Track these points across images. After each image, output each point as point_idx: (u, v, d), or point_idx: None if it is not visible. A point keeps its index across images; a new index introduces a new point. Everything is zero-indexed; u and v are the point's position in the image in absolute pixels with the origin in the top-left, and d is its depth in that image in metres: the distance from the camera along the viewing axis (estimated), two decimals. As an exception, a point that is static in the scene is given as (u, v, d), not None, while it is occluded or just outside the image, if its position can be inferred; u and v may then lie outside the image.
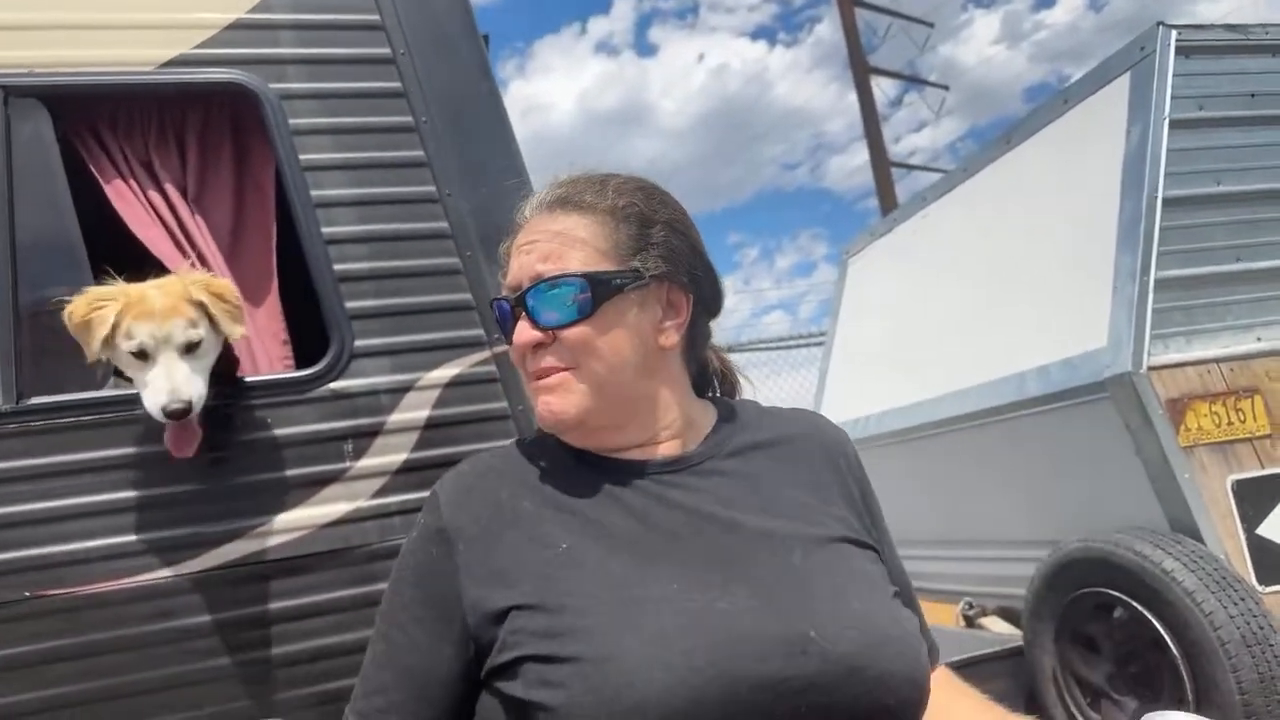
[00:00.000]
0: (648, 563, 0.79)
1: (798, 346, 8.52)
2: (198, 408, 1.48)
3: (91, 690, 1.49)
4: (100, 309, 1.45)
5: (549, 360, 0.88)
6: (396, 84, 1.85)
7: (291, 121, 1.79)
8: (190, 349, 1.49)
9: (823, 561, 0.83)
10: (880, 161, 14.78)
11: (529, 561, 0.80)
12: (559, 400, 0.87)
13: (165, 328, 1.47)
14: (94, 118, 1.83)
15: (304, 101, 1.81)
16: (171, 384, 1.46)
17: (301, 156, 1.77)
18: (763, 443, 0.95)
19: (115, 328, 1.45)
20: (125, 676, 1.51)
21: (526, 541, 0.82)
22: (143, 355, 1.47)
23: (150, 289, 1.49)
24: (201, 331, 1.50)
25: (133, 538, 1.56)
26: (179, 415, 1.46)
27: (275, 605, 1.61)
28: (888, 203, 14.03)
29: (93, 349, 1.45)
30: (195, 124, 1.90)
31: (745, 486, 0.89)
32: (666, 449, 0.91)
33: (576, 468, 0.90)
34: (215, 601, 1.58)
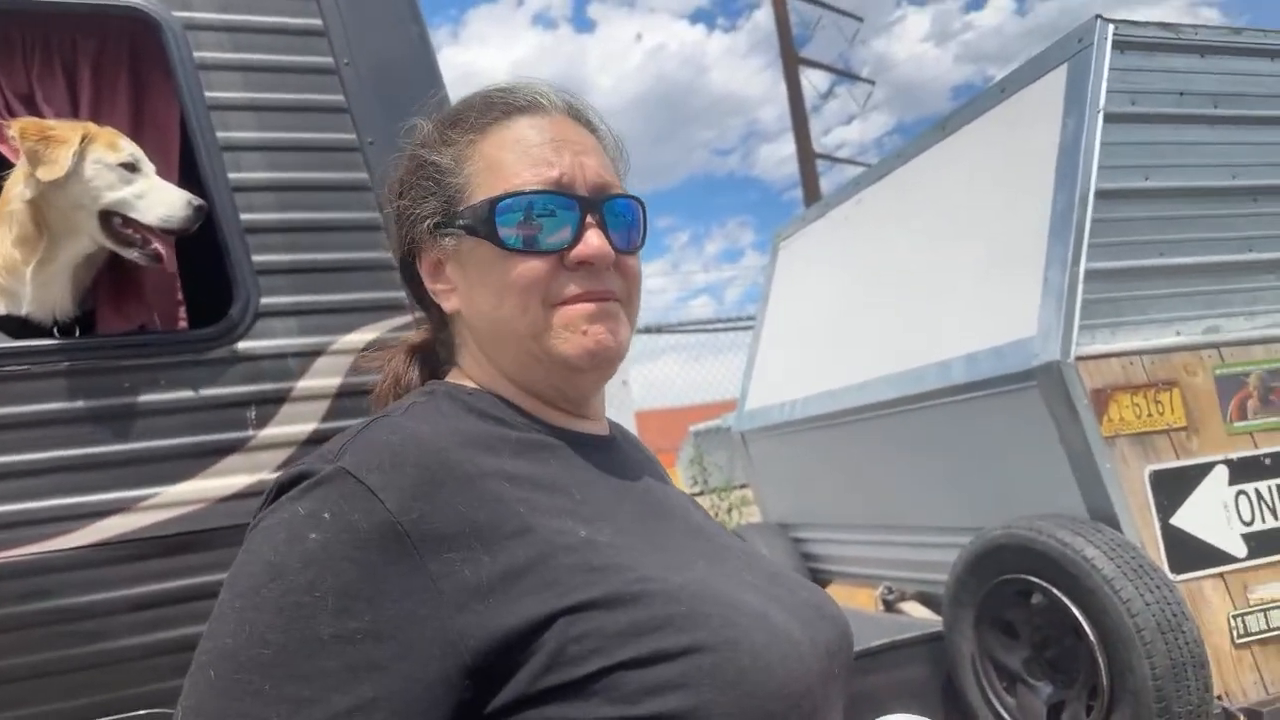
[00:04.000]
0: (660, 540, 0.70)
1: (723, 330, 8.54)
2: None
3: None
4: (54, 129, 1.43)
5: (612, 283, 0.75)
6: (317, 21, 1.70)
7: (196, 55, 1.62)
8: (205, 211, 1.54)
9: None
10: (806, 153, 14.92)
11: (554, 553, 0.61)
12: (613, 331, 0.73)
13: (139, 150, 1.54)
14: (-33, 39, 1.64)
15: (211, 34, 1.65)
16: (186, 193, 1.50)
17: (207, 94, 1.61)
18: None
19: (88, 142, 1.45)
20: (-8, 661, 1.36)
21: (534, 527, 0.62)
22: (132, 168, 1.49)
23: None
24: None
25: (5, 508, 1.40)
26: (203, 215, 1.50)
27: (165, 585, 1.47)
28: (811, 195, 14.19)
29: (61, 162, 1.40)
30: (87, 54, 1.72)
31: (644, 469, 0.84)
32: (597, 425, 0.82)
33: (526, 436, 0.72)
34: (96, 581, 1.43)
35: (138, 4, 1.61)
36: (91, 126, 1.50)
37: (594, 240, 0.73)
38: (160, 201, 1.49)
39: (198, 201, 1.50)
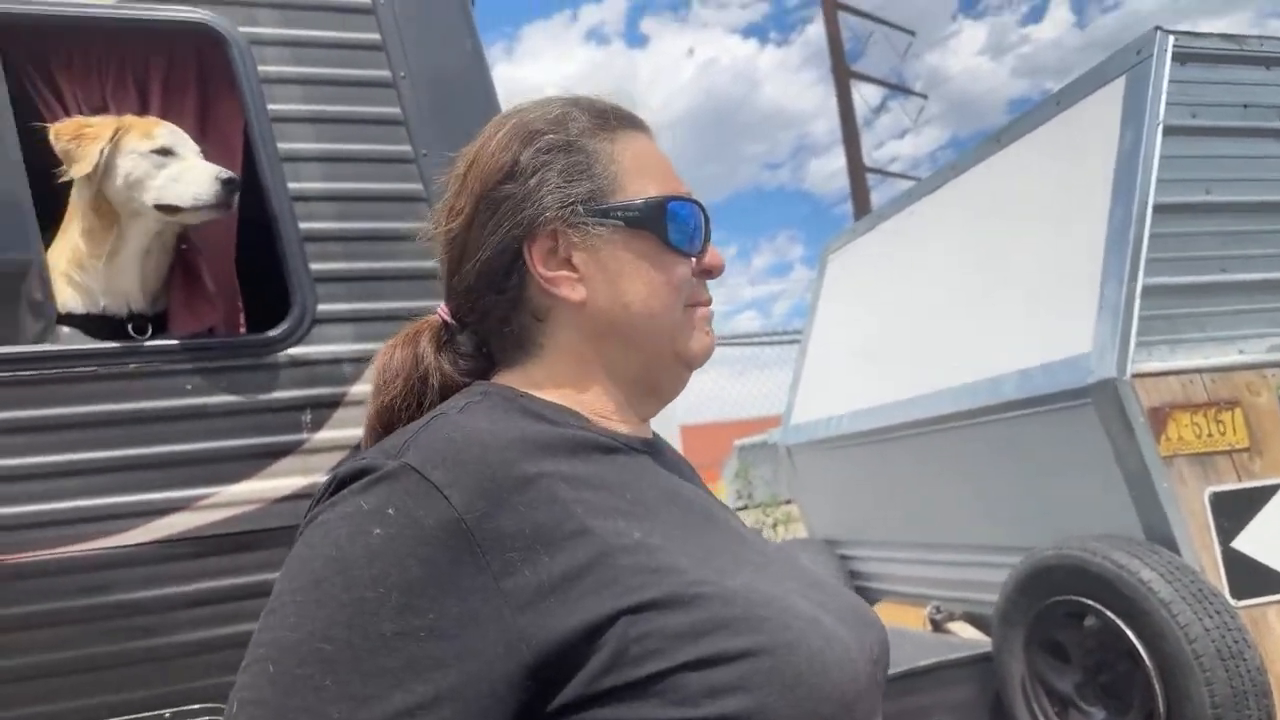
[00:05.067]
0: (710, 545, 0.70)
1: (769, 344, 8.48)
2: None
3: (19, 667, 1.38)
4: (90, 125, 1.50)
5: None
6: (375, 35, 1.75)
7: (260, 69, 1.68)
8: (236, 185, 1.57)
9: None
10: (856, 167, 14.81)
11: (612, 553, 0.61)
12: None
13: (183, 135, 1.58)
14: (46, 56, 1.71)
15: (275, 48, 1.70)
16: (214, 168, 1.53)
17: (270, 106, 1.67)
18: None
19: (121, 135, 1.50)
20: (57, 653, 1.41)
21: (591, 528, 0.62)
22: (166, 152, 1.53)
23: None
24: None
25: (68, 504, 1.45)
26: (234, 189, 1.54)
27: (222, 582, 1.51)
28: (861, 208, 14.08)
29: (89, 158, 1.47)
30: (158, 68, 1.79)
31: (686, 475, 0.84)
32: (645, 430, 0.82)
33: (580, 435, 0.72)
34: (156, 577, 1.47)
35: (207, 20, 1.67)
36: (128, 119, 1.55)
37: (719, 254, 0.80)
38: (191, 182, 1.54)
39: (225, 175, 1.53)
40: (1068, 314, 2.57)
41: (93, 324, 1.57)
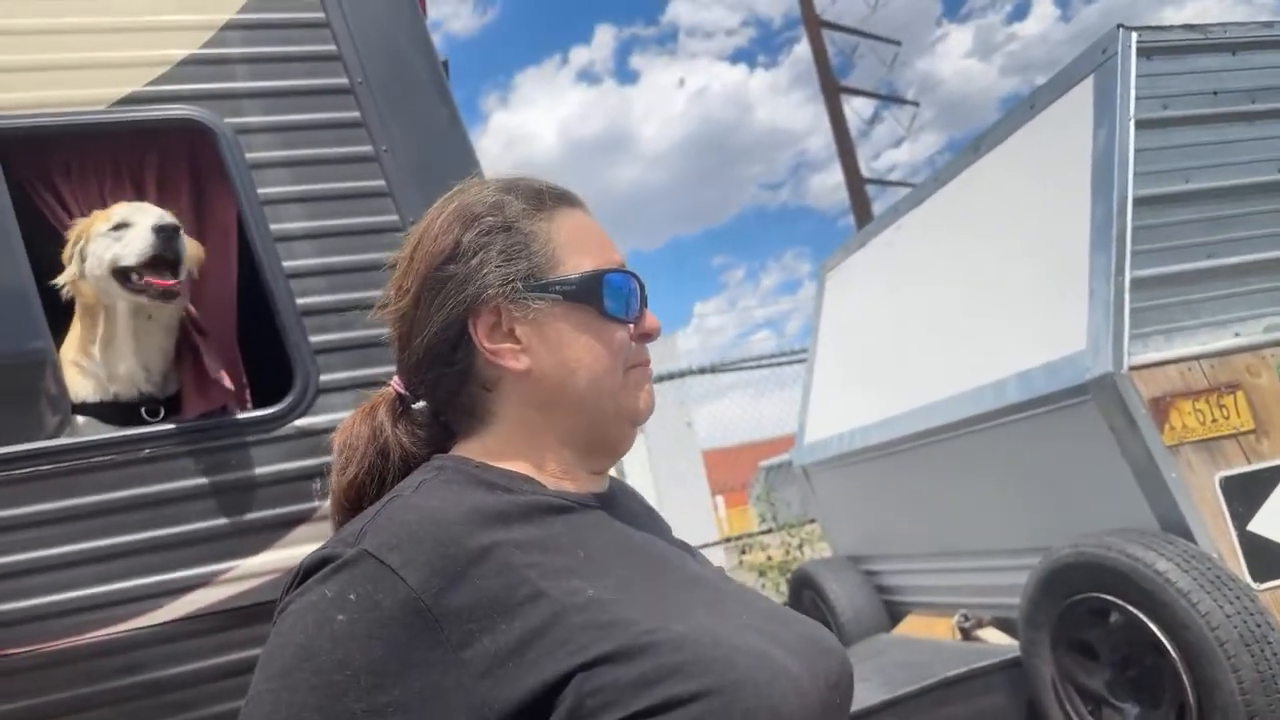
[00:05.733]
0: (662, 591, 0.73)
1: (786, 363, 8.45)
2: (183, 267, 1.66)
3: (55, 752, 1.43)
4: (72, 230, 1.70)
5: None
6: (355, 114, 1.83)
7: (249, 155, 1.76)
8: (173, 231, 1.63)
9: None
10: (854, 180, 14.88)
11: (564, 613, 0.65)
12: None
13: (143, 208, 1.66)
14: (46, 162, 1.80)
15: (261, 135, 1.78)
16: (152, 221, 1.61)
17: (260, 190, 1.74)
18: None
19: (89, 226, 1.64)
20: (90, 735, 1.46)
21: (544, 591, 0.66)
22: (122, 226, 1.62)
23: None
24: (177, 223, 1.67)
25: (96, 590, 1.50)
26: (170, 232, 1.60)
27: (247, 654, 1.55)
28: (863, 220, 14.11)
29: (69, 257, 1.65)
30: (151, 164, 1.87)
31: (643, 523, 0.87)
32: (599, 484, 0.86)
33: (531, 500, 0.76)
34: (185, 653, 1.52)
35: (194, 115, 1.75)
36: (97, 213, 1.67)
37: (654, 319, 0.85)
38: (132, 240, 1.62)
39: (161, 223, 1.61)
40: (1061, 313, 2.59)
41: (106, 410, 1.64)
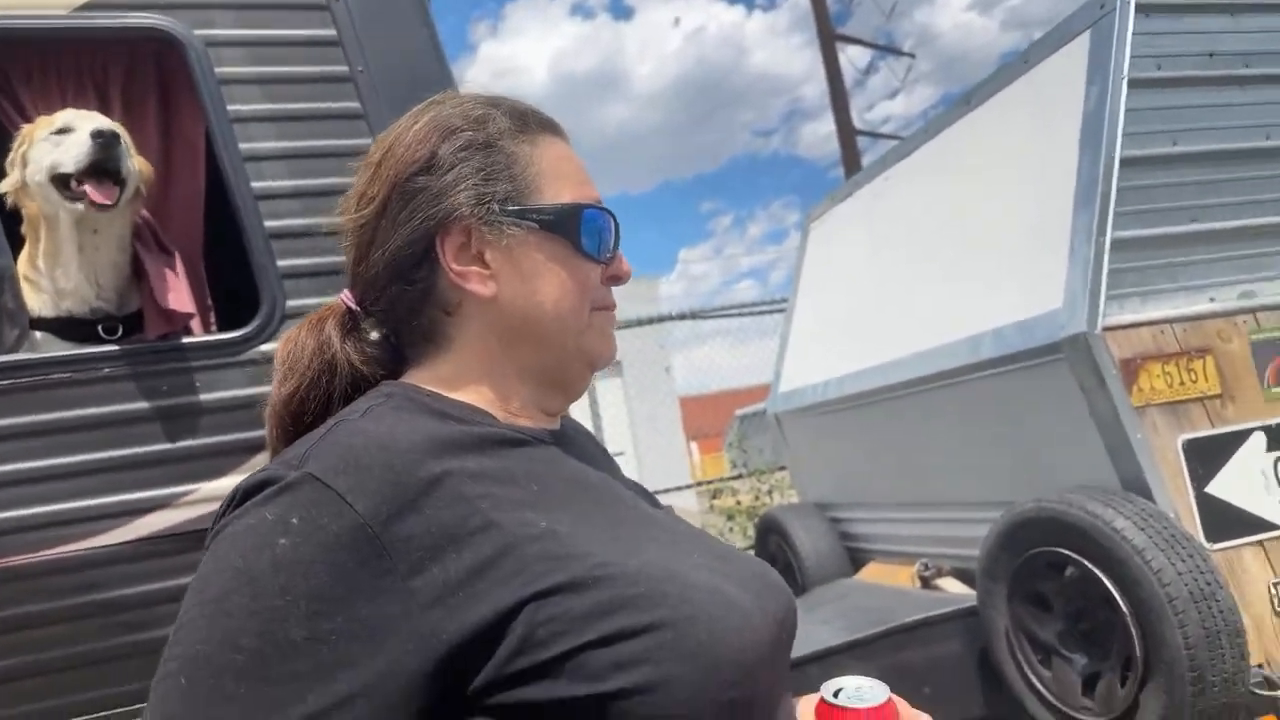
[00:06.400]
0: (616, 527, 0.72)
1: (767, 312, 8.45)
2: (124, 174, 1.61)
3: (11, 667, 1.43)
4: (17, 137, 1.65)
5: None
6: (331, 31, 1.76)
7: (218, 70, 1.70)
8: (112, 138, 1.58)
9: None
10: (846, 130, 14.72)
11: (517, 544, 0.63)
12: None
13: (89, 115, 1.61)
14: (5, 69, 1.73)
15: (231, 49, 1.72)
16: (91, 127, 1.56)
17: (229, 107, 1.69)
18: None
19: (33, 131, 1.59)
20: (50, 651, 1.46)
21: (496, 522, 0.64)
22: (64, 131, 1.57)
23: None
24: (123, 133, 1.63)
25: (55, 507, 1.49)
26: (109, 139, 1.55)
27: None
28: (852, 172, 14.01)
29: (11, 163, 1.60)
30: (116, 75, 1.80)
31: (597, 461, 0.86)
32: (553, 423, 0.85)
33: (484, 432, 0.73)
34: (142, 573, 1.52)
35: (161, 25, 1.69)
36: (41, 119, 1.63)
37: (627, 263, 0.84)
38: (71, 145, 1.57)
39: (99, 128, 1.57)
40: (1040, 271, 2.59)
41: (62, 326, 1.60)
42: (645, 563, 0.67)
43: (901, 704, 0.76)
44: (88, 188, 1.55)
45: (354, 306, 0.81)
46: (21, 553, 1.45)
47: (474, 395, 0.78)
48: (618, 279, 0.83)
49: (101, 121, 1.59)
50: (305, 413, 0.78)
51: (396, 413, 0.72)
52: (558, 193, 0.79)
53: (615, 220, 0.82)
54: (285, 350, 0.80)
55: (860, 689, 0.74)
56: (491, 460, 0.71)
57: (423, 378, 0.79)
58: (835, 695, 0.74)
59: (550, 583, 0.62)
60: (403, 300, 0.78)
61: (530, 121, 0.81)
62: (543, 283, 0.77)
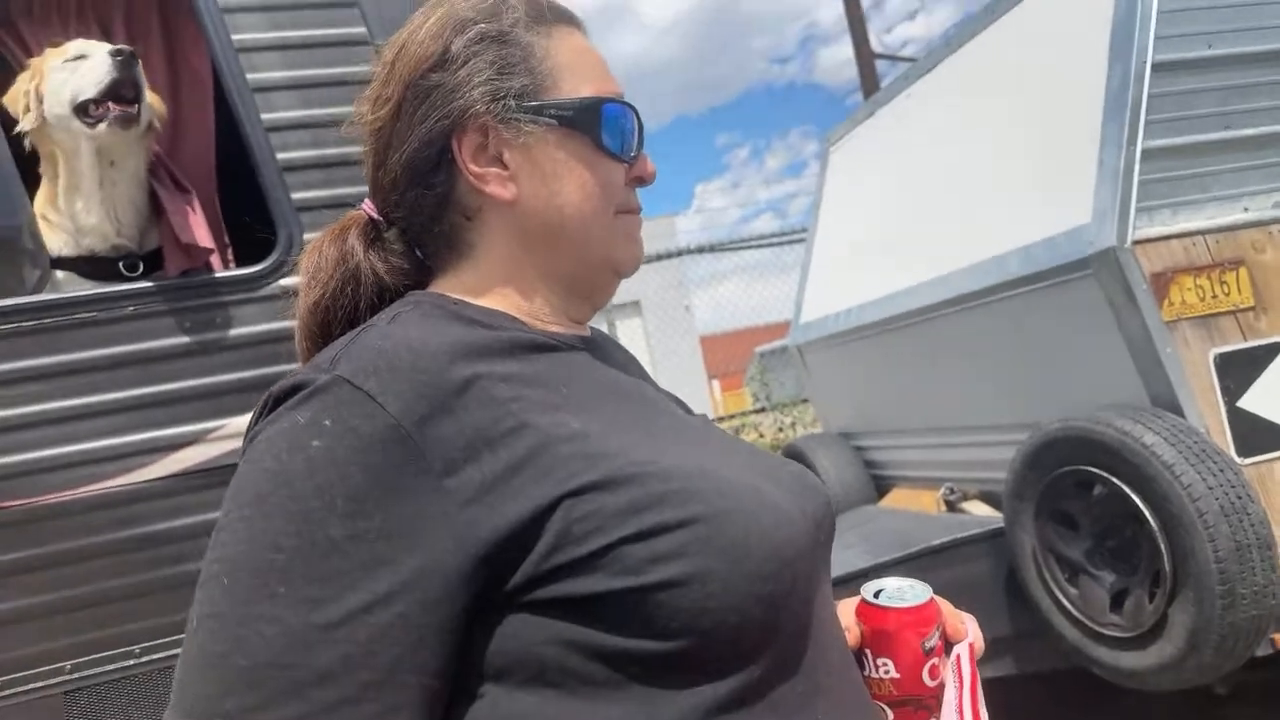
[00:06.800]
0: (649, 429, 0.71)
1: (787, 244, 8.33)
2: (144, 95, 1.61)
3: (55, 601, 1.47)
4: (16, 84, 1.63)
5: None
6: (333, -45, 1.71)
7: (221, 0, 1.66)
8: (130, 56, 1.57)
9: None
10: (864, 55, 14.33)
11: (551, 443, 0.63)
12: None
13: (98, 42, 1.60)
14: (7, 6, 1.70)
15: (233, -24, 1.68)
16: (108, 47, 1.57)
17: (234, 36, 1.65)
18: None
19: (43, 63, 1.57)
20: (89, 585, 1.49)
21: (530, 423, 0.64)
22: (79, 58, 1.57)
23: None
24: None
25: (89, 445, 1.51)
26: (128, 58, 1.55)
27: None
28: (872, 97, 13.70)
29: (22, 99, 1.58)
30: (119, 7, 1.77)
31: (626, 367, 0.85)
32: (581, 329, 0.83)
33: (514, 337, 0.72)
34: (178, 508, 1.54)
35: (160, -47, 1.65)
36: (49, 50, 1.61)
37: (651, 163, 0.79)
38: (90, 70, 1.56)
39: (117, 48, 1.56)
40: (1068, 184, 2.52)
41: (83, 265, 1.60)
42: (680, 461, 0.66)
43: (944, 604, 0.75)
44: (111, 105, 1.56)
45: (375, 216, 0.79)
46: (59, 490, 1.47)
47: (500, 301, 0.76)
48: (642, 180, 0.79)
49: (113, 46, 1.57)
50: (332, 322, 0.76)
51: (424, 319, 0.71)
52: (577, 87, 0.75)
53: (639, 116, 0.78)
54: (309, 260, 0.78)
55: (901, 589, 0.74)
56: (521, 364, 0.70)
57: (449, 286, 0.78)
58: (876, 595, 0.74)
59: (584, 480, 0.61)
60: (422, 206, 0.76)
61: (546, 11, 0.77)
62: (564, 184, 0.75)
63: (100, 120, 1.56)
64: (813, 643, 0.68)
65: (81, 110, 1.57)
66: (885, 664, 0.71)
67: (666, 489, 0.62)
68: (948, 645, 0.73)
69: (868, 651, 0.73)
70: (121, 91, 1.55)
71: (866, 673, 0.72)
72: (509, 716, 0.61)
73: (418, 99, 0.73)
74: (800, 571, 0.66)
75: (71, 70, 1.55)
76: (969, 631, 0.75)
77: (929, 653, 0.71)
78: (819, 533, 0.72)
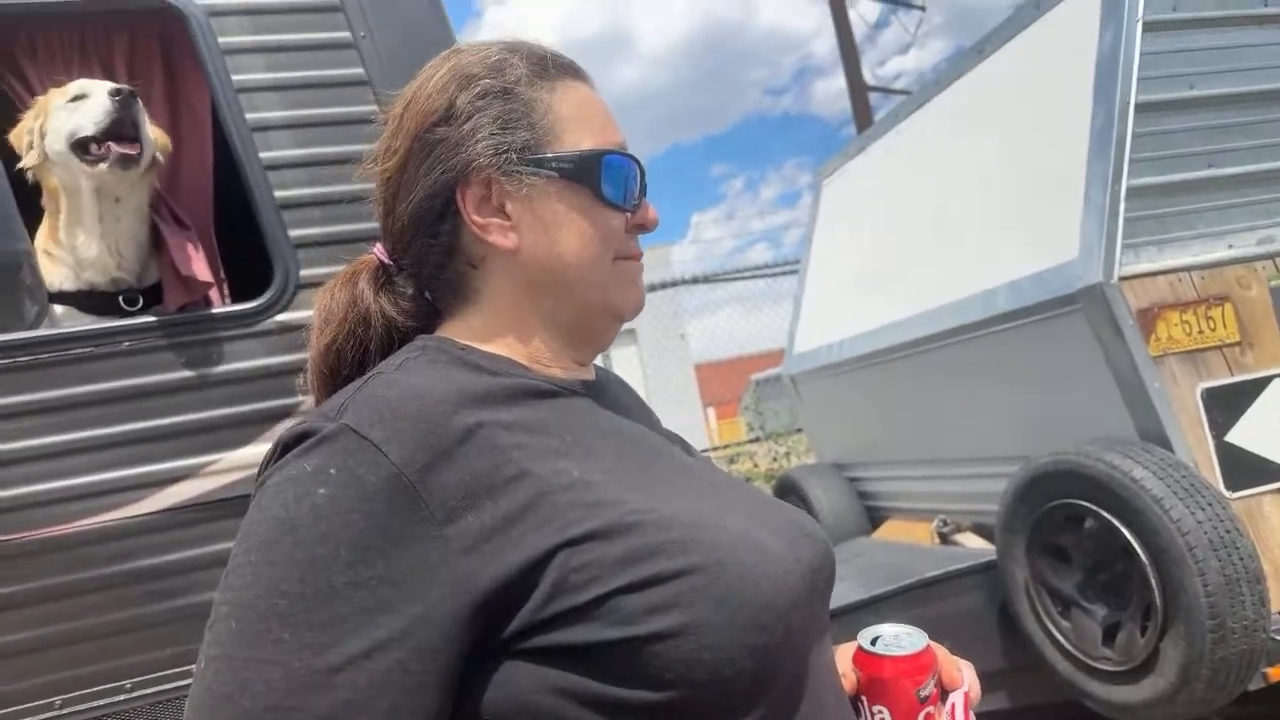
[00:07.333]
0: (649, 476, 0.73)
1: (781, 275, 8.39)
2: (145, 134, 1.63)
3: (46, 636, 1.47)
4: (22, 120, 1.66)
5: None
6: (333, -2, 1.75)
7: (221, 40, 1.69)
8: (130, 96, 1.60)
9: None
10: (857, 87, 14.50)
11: (550, 492, 0.64)
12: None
13: (101, 83, 1.62)
14: (11, 47, 1.73)
15: (234, 18, 1.71)
16: (108, 87, 1.59)
17: (234, 77, 1.68)
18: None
19: (46, 104, 1.59)
20: (81, 620, 1.49)
21: (530, 471, 0.65)
22: (80, 98, 1.59)
23: None
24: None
25: (84, 480, 1.51)
26: (126, 98, 1.57)
27: (232, 544, 1.58)
28: (865, 129, 13.83)
29: (30, 135, 1.61)
30: (122, 48, 1.80)
31: (631, 412, 0.86)
32: (586, 373, 0.85)
33: (517, 383, 0.74)
34: (172, 542, 1.54)
35: (164, -4, 1.68)
36: (53, 90, 1.63)
37: (653, 210, 0.81)
38: (89, 109, 1.59)
39: (115, 88, 1.59)
40: (1055, 221, 2.56)
41: (83, 300, 1.62)
42: (678, 510, 0.67)
43: (940, 650, 0.76)
44: (110, 144, 1.57)
45: (386, 260, 0.81)
46: (54, 524, 1.48)
47: (505, 347, 0.78)
48: (643, 227, 0.81)
49: (115, 85, 1.60)
50: (343, 364, 0.79)
51: (430, 365, 0.73)
52: (578, 140, 0.77)
53: (640, 166, 0.80)
54: (321, 303, 0.81)
55: (898, 636, 0.74)
56: (524, 411, 0.71)
57: (456, 330, 0.79)
58: (873, 643, 0.74)
59: (583, 530, 0.63)
60: (429, 254, 0.78)
61: (550, 66, 0.79)
62: (564, 233, 0.76)
63: (100, 160, 1.58)
64: (809, 691, 0.69)
65: (81, 148, 1.59)
66: (881, 712, 0.72)
67: (664, 539, 0.63)
68: (944, 692, 0.73)
69: (864, 699, 0.73)
70: (121, 131, 1.57)
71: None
72: None
73: (424, 152, 0.76)
74: (795, 622, 0.66)
75: (73, 109, 1.57)
76: (965, 679, 0.76)
77: (924, 701, 0.71)
78: (816, 580, 0.72)
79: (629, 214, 0.79)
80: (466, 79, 0.77)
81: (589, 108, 0.80)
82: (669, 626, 0.60)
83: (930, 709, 0.71)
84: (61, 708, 1.45)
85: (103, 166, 1.59)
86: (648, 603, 0.61)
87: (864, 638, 0.75)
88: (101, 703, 1.46)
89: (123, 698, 1.47)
